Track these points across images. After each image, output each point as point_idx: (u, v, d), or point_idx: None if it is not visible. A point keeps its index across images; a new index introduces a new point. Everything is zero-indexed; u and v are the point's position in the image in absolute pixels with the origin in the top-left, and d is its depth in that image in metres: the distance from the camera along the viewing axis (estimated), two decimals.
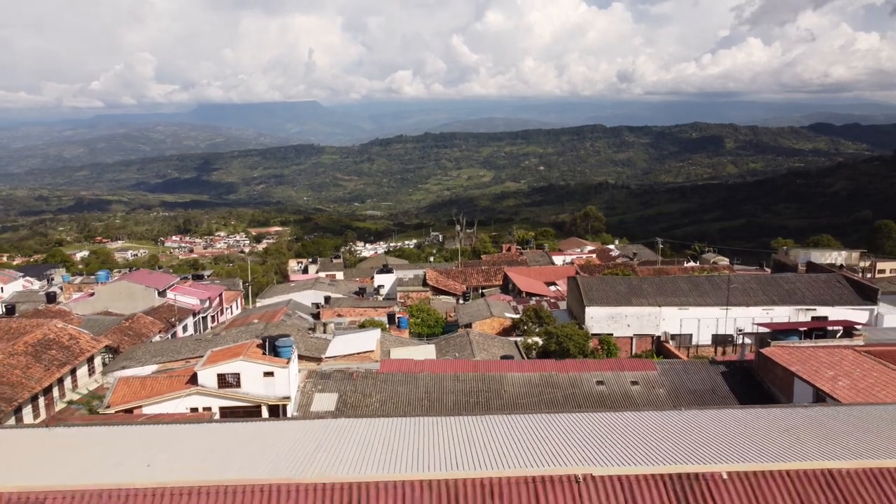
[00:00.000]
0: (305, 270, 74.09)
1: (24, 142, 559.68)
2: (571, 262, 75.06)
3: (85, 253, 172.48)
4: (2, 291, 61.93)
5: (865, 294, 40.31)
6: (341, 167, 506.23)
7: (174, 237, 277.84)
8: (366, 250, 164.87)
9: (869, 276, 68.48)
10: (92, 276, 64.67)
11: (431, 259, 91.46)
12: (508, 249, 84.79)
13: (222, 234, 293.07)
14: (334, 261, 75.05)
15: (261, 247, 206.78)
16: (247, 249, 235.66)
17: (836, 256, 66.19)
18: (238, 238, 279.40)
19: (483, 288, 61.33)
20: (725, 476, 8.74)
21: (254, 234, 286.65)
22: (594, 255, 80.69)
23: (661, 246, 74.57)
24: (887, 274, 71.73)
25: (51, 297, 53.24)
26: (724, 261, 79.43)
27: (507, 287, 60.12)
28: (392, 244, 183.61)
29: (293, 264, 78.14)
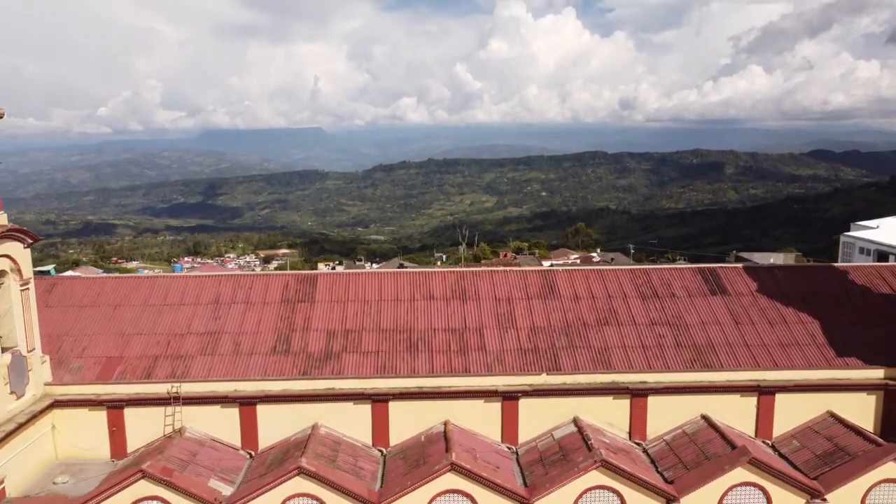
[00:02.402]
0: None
1: (31, 167, 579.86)
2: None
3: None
4: None
5: None
6: (345, 192, 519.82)
7: (186, 258, 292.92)
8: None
9: None
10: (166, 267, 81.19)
11: (439, 264, 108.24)
12: (505, 256, 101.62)
13: (232, 255, 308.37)
14: (357, 263, 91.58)
15: (272, 267, 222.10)
16: (258, 269, 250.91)
17: (775, 257, 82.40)
18: (248, 259, 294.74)
19: None
20: (560, 270, 25.77)
21: (262, 255, 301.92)
22: (578, 260, 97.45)
23: (633, 251, 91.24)
24: None
25: None
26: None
27: None
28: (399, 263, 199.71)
29: (322, 266, 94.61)
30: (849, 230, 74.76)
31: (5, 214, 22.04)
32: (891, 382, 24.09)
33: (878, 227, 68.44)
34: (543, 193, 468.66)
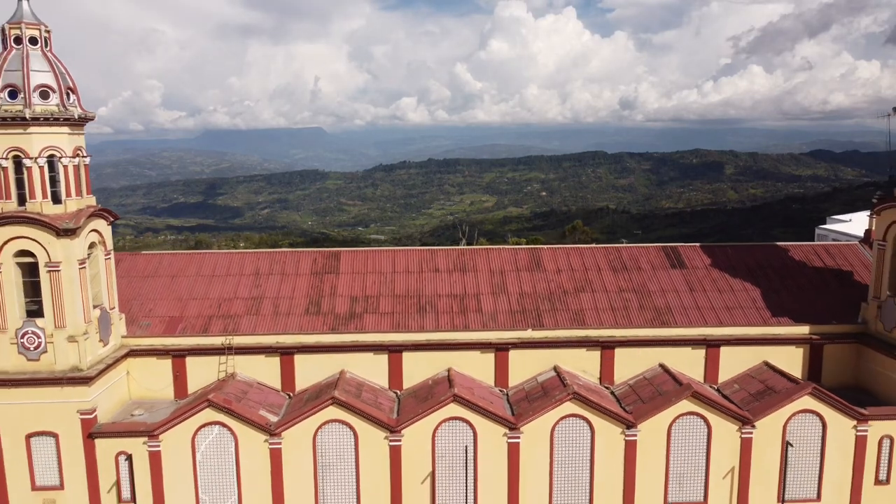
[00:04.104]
0: None
1: None
2: None
3: None
4: None
5: None
6: (345, 192, 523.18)
7: None
8: None
9: None
10: None
11: None
12: None
13: None
14: None
15: None
16: None
17: None
18: None
19: None
20: (546, 248, 31.26)
21: None
22: None
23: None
24: None
25: None
26: None
27: None
28: None
29: None
30: (825, 223, 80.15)
31: (94, 197, 27.49)
32: (815, 337, 29.57)
33: (850, 220, 73.70)
34: (543, 193, 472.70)
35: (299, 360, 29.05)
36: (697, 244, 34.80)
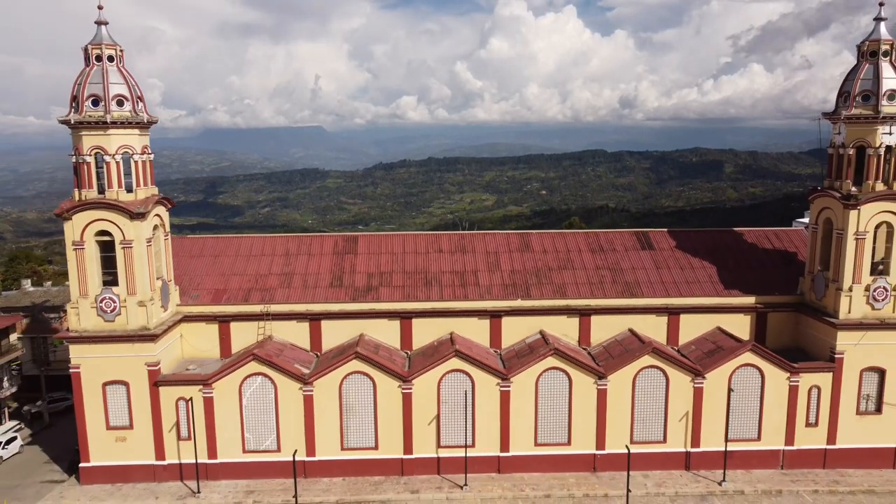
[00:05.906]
0: None
1: (32, 166, 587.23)
2: None
3: None
4: None
5: None
6: (345, 191, 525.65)
7: None
8: None
9: None
10: None
11: None
12: None
13: None
14: None
15: None
16: None
17: None
18: None
19: None
20: (534, 232, 37.00)
21: None
22: None
23: None
24: None
25: None
26: None
27: None
28: None
29: None
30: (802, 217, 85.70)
31: (156, 187, 33.26)
32: (760, 306, 35.35)
33: None
34: (543, 192, 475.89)
35: (325, 325, 34.83)
36: (665, 229, 40.59)
